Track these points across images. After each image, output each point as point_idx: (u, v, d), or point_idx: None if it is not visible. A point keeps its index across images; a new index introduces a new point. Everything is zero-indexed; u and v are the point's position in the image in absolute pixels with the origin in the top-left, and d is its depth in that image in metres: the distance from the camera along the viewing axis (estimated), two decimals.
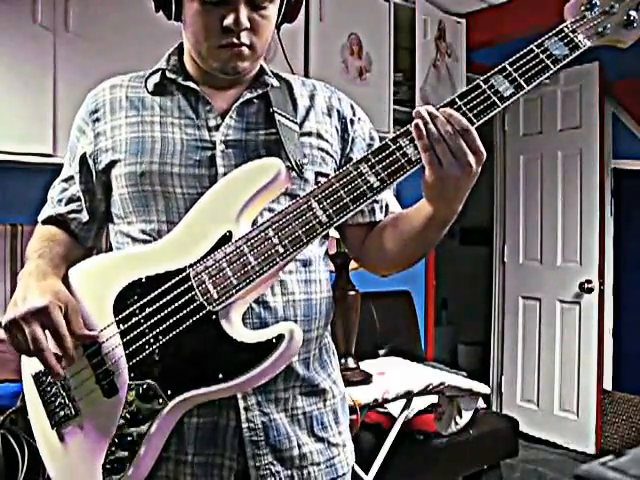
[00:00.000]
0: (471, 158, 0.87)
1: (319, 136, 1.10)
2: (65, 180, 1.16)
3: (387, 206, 1.17)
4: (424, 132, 0.87)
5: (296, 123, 1.07)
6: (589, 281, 3.67)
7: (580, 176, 3.73)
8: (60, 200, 1.16)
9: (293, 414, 1.06)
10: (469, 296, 4.94)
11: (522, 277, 4.06)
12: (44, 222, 1.17)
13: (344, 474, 1.12)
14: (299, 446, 1.05)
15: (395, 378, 2.32)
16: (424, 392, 2.30)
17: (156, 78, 1.09)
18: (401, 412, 2.42)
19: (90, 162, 1.10)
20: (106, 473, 0.94)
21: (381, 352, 3.04)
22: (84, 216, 1.14)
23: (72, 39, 2.17)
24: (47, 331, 0.92)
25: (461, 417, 2.58)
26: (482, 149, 0.87)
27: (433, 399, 2.59)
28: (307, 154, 1.07)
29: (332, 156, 1.11)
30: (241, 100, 1.06)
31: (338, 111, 1.14)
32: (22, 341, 0.92)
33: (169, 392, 0.93)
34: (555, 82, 3.80)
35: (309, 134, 1.09)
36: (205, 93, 1.07)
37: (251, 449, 1.01)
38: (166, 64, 1.09)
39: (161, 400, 0.93)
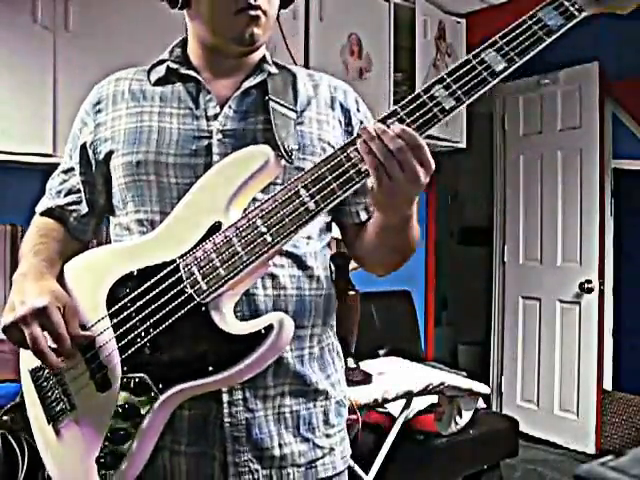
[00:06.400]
0: (420, 172, 0.86)
1: (319, 126, 1.09)
2: (65, 172, 1.17)
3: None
4: (373, 148, 0.85)
5: (294, 111, 1.06)
6: (589, 281, 3.67)
7: (580, 176, 3.73)
8: (59, 192, 1.16)
9: (280, 412, 1.04)
10: (469, 296, 4.94)
11: (522, 277, 4.06)
12: (42, 214, 1.17)
13: (329, 477, 1.09)
14: (280, 446, 1.04)
15: (395, 378, 2.32)
16: (424, 392, 2.30)
17: (160, 70, 1.10)
18: (401, 412, 2.42)
19: (90, 152, 1.10)
20: (100, 467, 0.94)
21: (381, 352, 3.04)
22: (83, 208, 1.14)
23: (72, 39, 2.18)
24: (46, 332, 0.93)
25: (461, 417, 2.58)
26: (431, 163, 0.86)
27: (433, 399, 2.59)
28: (306, 144, 1.06)
29: (333, 147, 1.07)
30: (241, 90, 1.06)
31: (341, 104, 1.13)
32: (21, 341, 0.93)
33: (160, 385, 0.92)
34: (555, 82, 3.79)
35: (309, 124, 1.08)
36: (206, 81, 1.07)
37: (232, 444, 1.00)
38: (169, 55, 1.11)
39: (153, 394, 0.92)
